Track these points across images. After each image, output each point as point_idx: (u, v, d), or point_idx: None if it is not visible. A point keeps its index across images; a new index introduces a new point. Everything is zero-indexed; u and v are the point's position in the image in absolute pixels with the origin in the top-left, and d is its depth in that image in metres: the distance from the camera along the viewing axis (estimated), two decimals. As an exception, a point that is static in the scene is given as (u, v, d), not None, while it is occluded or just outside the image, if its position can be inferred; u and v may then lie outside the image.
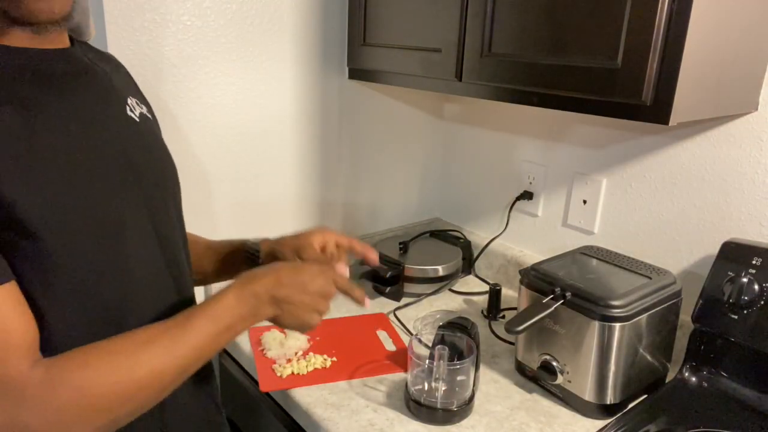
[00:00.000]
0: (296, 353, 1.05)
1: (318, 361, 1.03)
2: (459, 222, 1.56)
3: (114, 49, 0.97)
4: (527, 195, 1.34)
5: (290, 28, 1.19)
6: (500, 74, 0.93)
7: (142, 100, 0.78)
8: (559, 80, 0.85)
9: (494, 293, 1.23)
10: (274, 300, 0.69)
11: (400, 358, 1.06)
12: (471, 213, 1.51)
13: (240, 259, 0.92)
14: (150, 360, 0.60)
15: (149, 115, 0.77)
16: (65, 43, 0.66)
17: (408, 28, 1.10)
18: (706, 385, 0.96)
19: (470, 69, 0.98)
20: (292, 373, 0.99)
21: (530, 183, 1.33)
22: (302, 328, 0.74)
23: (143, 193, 0.69)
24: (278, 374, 0.99)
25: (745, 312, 0.90)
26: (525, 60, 0.89)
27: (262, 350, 1.06)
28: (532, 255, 1.35)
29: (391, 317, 1.22)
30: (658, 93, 0.75)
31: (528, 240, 1.37)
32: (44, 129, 0.58)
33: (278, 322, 0.72)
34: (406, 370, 0.99)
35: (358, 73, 1.28)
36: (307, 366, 1.01)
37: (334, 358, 1.04)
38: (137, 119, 0.72)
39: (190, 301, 0.78)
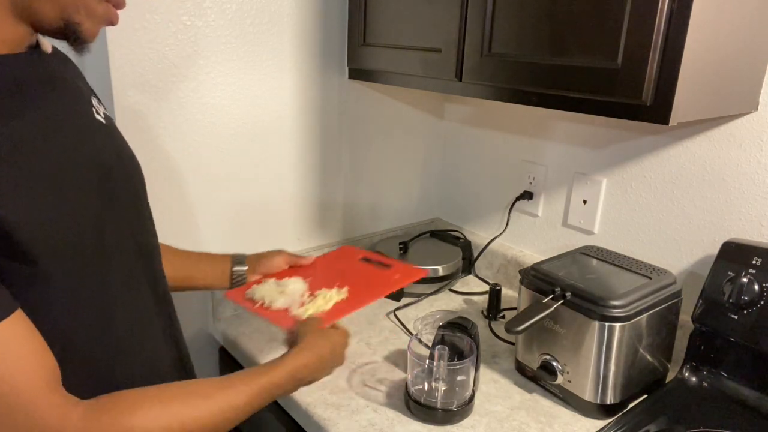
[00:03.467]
0: (302, 294, 0.98)
1: (333, 294, 0.97)
2: (459, 222, 1.56)
3: (114, 49, 0.98)
4: (527, 195, 1.34)
5: (290, 28, 1.19)
6: (500, 74, 0.93)
7: (97, 97, 0.75)
8: (559, 80, 0.85)
9: (494, 293, 1.23)
10: (311, 381, 0.81)
11: (405, 269, 1.03)
12: (471, 213, 1.51)
13: (213, 271, 0.99)
14: (198, 413, 0.63)
15: (107, 113, 0.75)
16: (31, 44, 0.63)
17: (408, 28, 1.10)
18: (706, 385, 0.96)
19: (470, 69, 0.98)
20: (316, 313, 0.93)
21: (530, 183, 1.33)
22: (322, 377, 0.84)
23: (120, 203, 0.68)
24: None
25: (745, 312, 0.90)
26: (525, 60, 0.89)
27: (264, 305, 0.97)
28: (532, 255, 1.35)
29: (392, 317, 1.22)
30: (658, 93, 0.75)
31: (528, 240, 1.37)
32: (24, 142, 0.55)
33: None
34: (419, 277, 1.01)
35: (358, 73, 1.28)
36: (326, 302, 0.94)
37: (346, 287, 0.98)
38: (103, 121, 0.70)
39: (168, 308, 0.79)
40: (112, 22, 0.63)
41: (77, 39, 0.60)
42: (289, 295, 0.97)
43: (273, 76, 1.19)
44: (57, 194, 0.57)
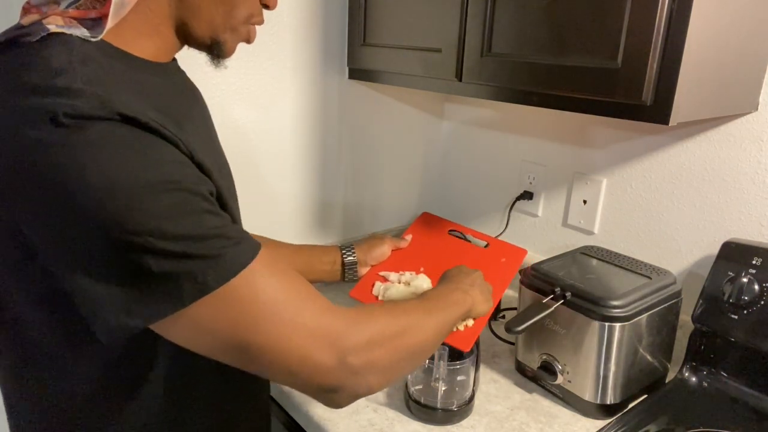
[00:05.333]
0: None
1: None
2: (459, 222, 1.55)
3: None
4: (527, 195, 1.34)
5: (290, 28, 1.19)
6: (500, 74, 0.93)
7: None
8: (559, 80, 0.85)
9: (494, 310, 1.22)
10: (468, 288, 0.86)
11: (506, 248, 1.06)
12: (471, 213, 1.51)
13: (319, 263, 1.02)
14: (430, 325, 0.71)
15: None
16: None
17: (408, 28, 1.10)
18: (706, 385, 0.96)
19: (470, 69, 0.98)
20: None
21: (530, 183, 1.33)
22: (486, 308, 0.89)
23: (236, 205, 0.72)
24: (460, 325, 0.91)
25: (745, 312, 0.90)
26: (525, 60, 0.89)
27: None
28: (532, 255, 1.35)
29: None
30: (658, 93, 0.75)
31: (528, 240, 1.37)
32: (193, 148, 0.58)
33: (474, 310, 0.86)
34: (524, 256, 1.04)
35: (358, 73, 1.28)
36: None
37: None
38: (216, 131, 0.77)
39: None
40: (250, 40, 0.68)
41: (220, 55, 0.66)
42: (415, 286, 1.00)
43: (273, 76, 1.19)
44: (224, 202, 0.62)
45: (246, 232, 0.57)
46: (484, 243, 1.09)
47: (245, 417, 0.77)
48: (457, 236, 1.13)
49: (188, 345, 0.55)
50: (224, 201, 0.60)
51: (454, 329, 0.95)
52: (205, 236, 0.51)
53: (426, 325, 0.71)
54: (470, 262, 1.02)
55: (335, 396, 0.59)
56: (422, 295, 0.81)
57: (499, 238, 1.40)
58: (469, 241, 1.13)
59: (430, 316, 0.73)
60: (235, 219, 0.64)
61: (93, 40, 0.53)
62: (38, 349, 0.59)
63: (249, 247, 0.54)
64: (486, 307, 0.88)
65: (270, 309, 0.54)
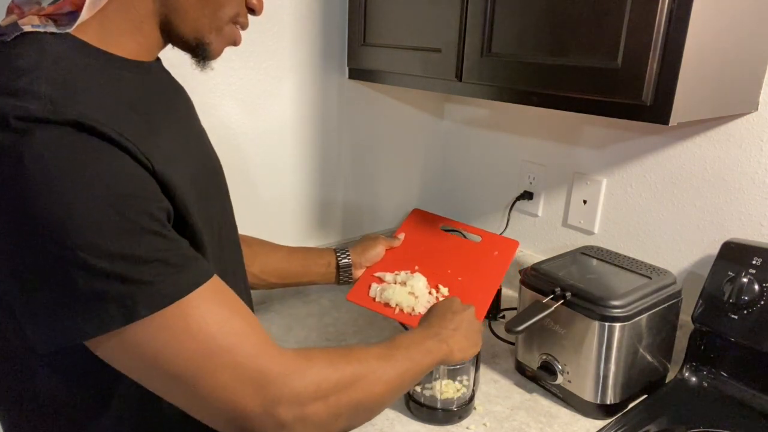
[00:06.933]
0: (428, 290, 1.01)
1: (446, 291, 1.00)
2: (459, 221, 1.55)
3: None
4: (527, 195, 1.34)
5: (290, 28, 1.19)
6: (500, 74, 0.93)
7: None
8: (559, 80, 0.85)
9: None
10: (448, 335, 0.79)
11: (498, 241, 1.06)
12: (471, 213, 1.51)
13: (314, 266, 1.01)
14: (389, 375, 0.64)
15: None
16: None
17: (408, 28, 1.10)
18: (706, 385, 0.96)
19: (470, 69, 0.98)
20: None
21: (530, 183, 1.33)
22: (469, 354, 0.82)
23: (210, 200, 0.70)
24: None
25: (745, 312, 0.90)
26: (525, 60, 0.89)
27: (404, 311, 0.98)
28: (532, 255, 1.35)
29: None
30: (658, 93, 0.75)
31: (528, 240, 1.37)
32: (171, 152, 0.57)
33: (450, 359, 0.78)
34: (516, 248, 1.05)
35: (358, 73, 1.28)
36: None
37: (459, 278, 1.01)
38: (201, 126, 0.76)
39: (251, 302, 0.81)
40: (236, 42, 0.67)
41: (205, 56, 0.65)
42: (419, 295, 1.00)
43: (273, 76, 1.19)
44: (195, 200, 0.61)
45: (196, 258, 0.54)
46: (477, 237, 1.10)
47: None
48: (449, 232, 1.14)
49: (116, 366, 0.52)
50: (187, 217, 0.57)
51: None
52: (143, 259, 0.48)
53: (383, 375, 0.64)
54: (463, 257, 1.02)
55: None
56: (391, 339, 0.72)
57: (499, 238, 1.41)
58: (463, 237, 1.14)
59: (391, 366, 0.66)
60: (198, 236, 0.59)
61: (63, 32, 0.52)
62: (9, 364, 0.57)
63: (192, 275, 0.52)
64: (468, 354, 0.82)
65: (201, 343, 0.51)
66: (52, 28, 0.53)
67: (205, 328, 0.51)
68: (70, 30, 0.53)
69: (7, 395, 0.60)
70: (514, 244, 1.06)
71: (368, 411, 0.64)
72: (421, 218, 1.17)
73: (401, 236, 1.12)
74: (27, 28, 0.52)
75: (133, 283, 0.48)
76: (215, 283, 0.54)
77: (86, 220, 0.46)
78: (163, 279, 0.49)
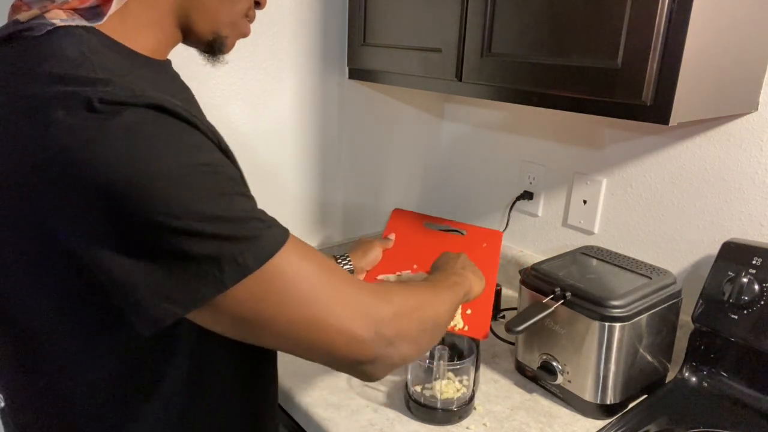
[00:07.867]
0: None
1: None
2: (460, 221, 1.55)
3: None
4: (527, 195, 1.34)
5: (290, 28, 1.19)
6: (500, 74, 0.93)
7: None
8: (559, 80, 0.85)
9: (494, 293, 1.23)
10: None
11: (483, 233, 1.08)
12: (471, 213, 1.51)
13: None
14: (443, 302, 0.72)
15: None
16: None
17: (408, 28, 1.10)
18: (706, 385, 0.96)
19: (470, 69, 0.98)
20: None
21: (530, 183, 1.33)
22: (481, 287, 0.89)
23: None
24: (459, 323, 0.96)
25: (745, 312, 0.90)
26: (525, 60, 0.89)
27: None
28: (532, 255, 1.35)
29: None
30: (658, 93, 0.75)
31: (528, 240, 1.37)
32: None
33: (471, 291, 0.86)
34: (500, 238, 1.07)
35: (358, 73, 1.28)
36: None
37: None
38: None
39: None
40: (245, 34, 0.69)
41: (221, 50, 0.66)
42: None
43: (273, 76, 1.19)
44: None
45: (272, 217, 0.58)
46: (462, 231, 1.12)
47: (270, 416, 0.78)
48: (433, 228, 1.15)
49: (227, 331, 0.54)
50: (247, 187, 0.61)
51: (455, 326, 0.96)
52: (242, 218, 0.51)
53: (436, 300, 0.72)
54: (456, 251, 1.03)
55: (371, 368, 0.60)
56: (425, 279, 0.83)
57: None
58: (450, 231, 1.14)
59: (438, 294, 0.74)
60: None
61: (93, 25, 0.53)
62: (49, 349, 0.58)
63: (281, 229, 0.55)
64: (481, 286, 0.89)
65: (310, 285, 0.55)
66: (82, 22, 0.53)
67: (310, 272, 0.55)
68: (99, 24, 0.54)
69: (58, 385, 0.60)
70: (498, 234, 1.10)
71: (440, 327, 0.72)
72: (404, 217, 1.18)
73: (392, 236, 1.12)
74: (57, 22, 0.52)
75: (239, 240, 0.50)
76: (293, 236, 0.58)
77: (188, 189, 0.48)
78: (262, 233, 0.52)
